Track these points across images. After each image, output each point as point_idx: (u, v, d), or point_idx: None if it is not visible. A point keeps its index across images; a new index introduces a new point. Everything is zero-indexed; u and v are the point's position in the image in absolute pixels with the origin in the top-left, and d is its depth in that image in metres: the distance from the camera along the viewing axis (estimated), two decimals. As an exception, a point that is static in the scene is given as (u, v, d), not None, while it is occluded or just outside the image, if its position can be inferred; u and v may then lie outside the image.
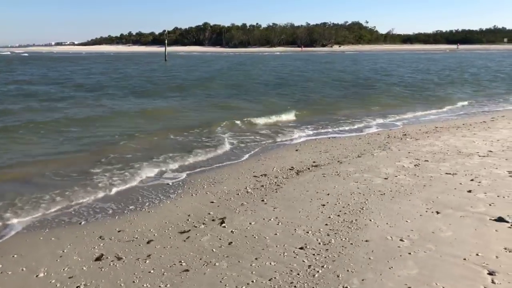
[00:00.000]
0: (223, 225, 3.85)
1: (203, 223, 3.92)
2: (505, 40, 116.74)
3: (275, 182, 5.10)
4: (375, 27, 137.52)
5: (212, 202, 4.52)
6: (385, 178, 4.98)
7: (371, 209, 4.02)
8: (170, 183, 5.28)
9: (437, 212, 3.83)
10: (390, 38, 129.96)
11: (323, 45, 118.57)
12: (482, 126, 8.28)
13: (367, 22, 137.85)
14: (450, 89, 16.99)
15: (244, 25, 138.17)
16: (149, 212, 4.30)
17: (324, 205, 4.22)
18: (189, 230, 3.78)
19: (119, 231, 3.79)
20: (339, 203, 4.25)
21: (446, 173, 5.03)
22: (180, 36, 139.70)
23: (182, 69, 32.58)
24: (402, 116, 10.48)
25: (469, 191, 4.33)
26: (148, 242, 3.53)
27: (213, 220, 3.99)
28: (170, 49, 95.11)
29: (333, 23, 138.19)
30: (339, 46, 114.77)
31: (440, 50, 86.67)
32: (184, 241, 3.54)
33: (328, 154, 6.52)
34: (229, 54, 79.36)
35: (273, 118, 9.87)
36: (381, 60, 47.07)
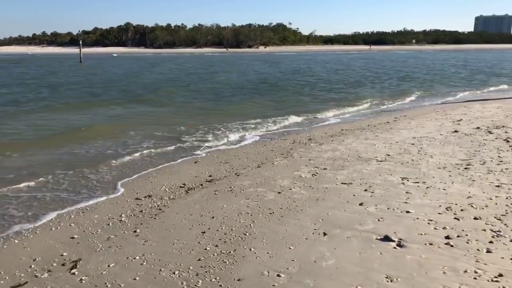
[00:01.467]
0: (74, 271, 3.11)
1: (49, 270, 3.14)
2: (413, 41, 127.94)
3: (158, 206, 4.44)
4: (298, 28, 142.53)
5: (73, 237, 3.74)
6: (279, 192, 4.57)
7: (254, 234, 3.55)
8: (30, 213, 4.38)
9: (324, 234, 3.46)
10: (312, 39, 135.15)
11: (249, 46, 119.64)
12: (385, 127, 8.38)
13: (290, 23, 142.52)
14: (359, 89, 17.70)
15: (169, 25, 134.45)
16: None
17: (204, 232, 3.66)
18: (25, 282, 2.98)
19: None
20: (222, 228, 3.72)
21: (342, 183, 4.76)
22: (101, 37, 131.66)
23: (96, 71, 30.38)
24: (310, 117, 10.44)
25: (361, 204, 4.06)
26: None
27: (63, 264, 3.23)
28: (89, 50, 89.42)
29: (258, 25, 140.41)
30: (265, 47, 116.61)
31: (357, 50, 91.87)
32: (10, 302, 2.75)
33: (228, 165, 6.02)
34: (149, 55, 76.51)
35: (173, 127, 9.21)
36: (302, 61, 48.49)
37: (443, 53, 73.17)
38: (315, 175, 5.19)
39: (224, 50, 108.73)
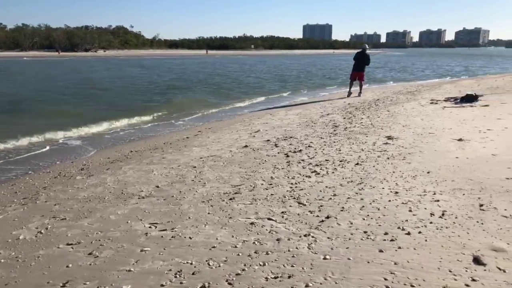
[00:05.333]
0: None
1: None
2: (252, 46, 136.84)
3: None
4: (140, 32, 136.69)
5: None
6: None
7: None
8: None
9: None
10: (156, 43, 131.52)
11: (86, 50, 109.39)
12: (181, 144, 7.48)
13: (132, 26, 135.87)
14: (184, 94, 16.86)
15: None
16: None
17: None
18: None
19: None
20: None
21: (69, 244, 3.48)
22: None
23: None
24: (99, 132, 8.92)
25: (65, 284, 2.85)
26: None
27: None
28: None
29: (96, 27, 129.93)
30: (104, 51, 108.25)
31: (198, 55, 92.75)
32: None
33: None
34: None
35: None
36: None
37: (284, 58, 79.34)
38: (42, 233, 3.79)
39: (56, 53, 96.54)
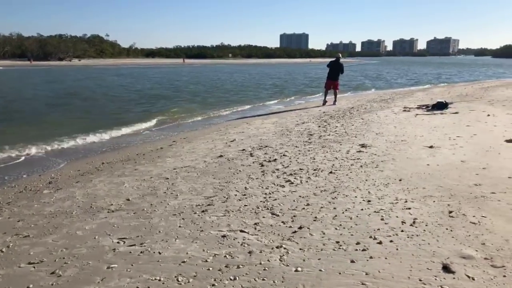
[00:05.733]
0: None
1: None
2: (230, 55, 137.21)
3: None
4: (116, 40, 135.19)
5: None
6: None
7: None
8: None
9: None
10: (133, 52, 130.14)
11: (60, 59, 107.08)
12: (154, 155, 7.34)
13: (107, 35, 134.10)
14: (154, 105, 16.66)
15: None
16: None
17: None
18: None
19: None
20: None
21: (27, 263, 3.32)
22: None
23: None
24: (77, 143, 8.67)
25: (24, 307, 2.70)
26: None
27: None
28: None
29: (70, 35, 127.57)
30: (79, 60, 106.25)
31: (175, 64, 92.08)
32: None
33: None
34: None
35: None
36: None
37: (261, 67, 79.74)
38: (3, 251, 3.59)
39: (28, 62, 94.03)
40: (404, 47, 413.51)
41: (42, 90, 24.98)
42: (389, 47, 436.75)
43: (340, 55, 14.68)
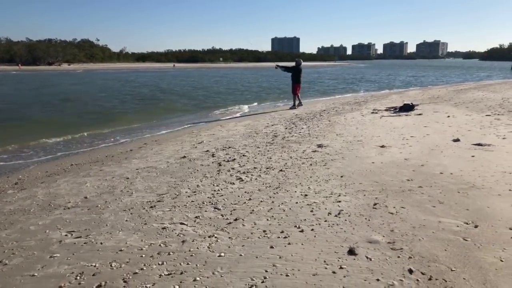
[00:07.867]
0: None
1: None
2: (221, 59, 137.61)
3: None
4: (106, 45, 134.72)
5: None
6: None
7: None
8: None
9: None
10: (123, 56, 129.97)
11: (49, 63, 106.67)
12: (123, 157, 7.62)
13: (98, 40, 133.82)
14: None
15: None
16: None
17: None
18: None
19: None
20: None
21: (-21, 255, 3.59)
22: None
23: None
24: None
25: (-34, 291, 2.98)
26: None
27: None
28: None
29: (60, 40, 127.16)
30: (69, 65, 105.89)
31: (166, 68, 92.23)
32: None
33: None
34: None
35: None
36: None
37: (251, 70, 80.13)
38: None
39: (17, 67, 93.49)
40: (394, 50, 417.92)
41: (30, 93, 25.08)
42: (380, 50, 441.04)
43: (301, 60, 15.33)
